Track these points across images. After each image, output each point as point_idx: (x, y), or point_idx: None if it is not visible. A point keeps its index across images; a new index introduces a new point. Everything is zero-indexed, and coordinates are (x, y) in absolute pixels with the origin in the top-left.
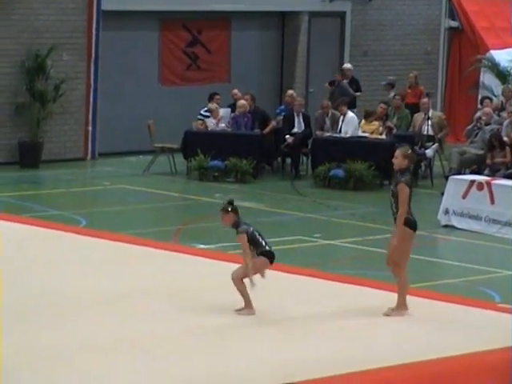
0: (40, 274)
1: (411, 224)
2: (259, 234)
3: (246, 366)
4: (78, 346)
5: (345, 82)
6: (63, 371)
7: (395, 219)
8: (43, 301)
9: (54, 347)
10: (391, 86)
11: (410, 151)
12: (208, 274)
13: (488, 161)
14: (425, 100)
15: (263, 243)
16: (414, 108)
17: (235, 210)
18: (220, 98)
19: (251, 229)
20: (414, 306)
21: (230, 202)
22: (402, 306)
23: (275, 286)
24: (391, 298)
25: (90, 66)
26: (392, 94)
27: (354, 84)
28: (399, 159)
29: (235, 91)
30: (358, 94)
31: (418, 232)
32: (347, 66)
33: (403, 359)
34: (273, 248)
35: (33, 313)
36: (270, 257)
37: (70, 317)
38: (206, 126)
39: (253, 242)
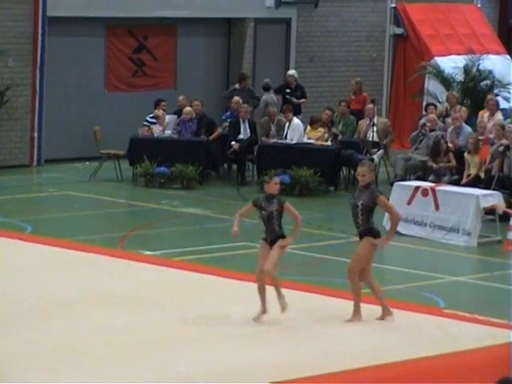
0: None
1: (376, 234)
2: None
3: (185, 369)
4: (19, 352)
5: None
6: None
7: (360, 232)
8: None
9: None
10: (266, 89)
11: (371, 164)
12: (154, 280)
13: (430, 164)
14: (370, 106)
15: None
16: (359, 114)
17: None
18: (166, 104)
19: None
20: (362, 311)
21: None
22: (385, 310)
23: (220, 292)
24: (337, 304)
25: (36, 72)
26: (270, 96)
27: (299, 91)
28: (367, 175)
29: (181, 98)
30: (302, 100)
31: None
32: (290, 72)
33: (347, 365)
34: (218, 254)
35: None
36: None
37: (15, 322)
38: (152, 133)
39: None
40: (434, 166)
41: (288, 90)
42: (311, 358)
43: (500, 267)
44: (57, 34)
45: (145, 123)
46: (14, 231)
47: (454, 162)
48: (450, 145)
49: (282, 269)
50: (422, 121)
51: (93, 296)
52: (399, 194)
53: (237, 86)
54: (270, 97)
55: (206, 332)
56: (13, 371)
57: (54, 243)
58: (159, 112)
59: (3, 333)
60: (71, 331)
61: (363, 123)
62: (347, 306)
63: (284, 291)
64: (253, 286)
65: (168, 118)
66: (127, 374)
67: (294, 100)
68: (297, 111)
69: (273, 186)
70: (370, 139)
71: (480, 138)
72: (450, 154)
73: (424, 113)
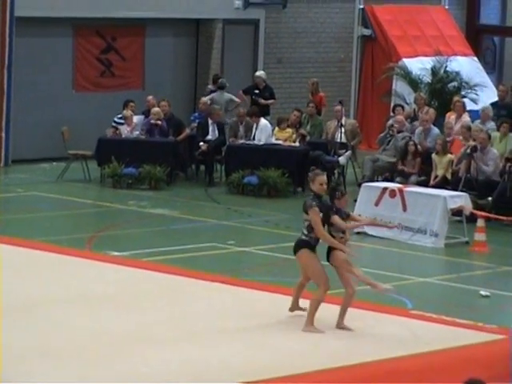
0: None
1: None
2: None
3: (148, 370)
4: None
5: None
6: None
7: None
8: None
9: None
10: (220, 88)
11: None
12: (121, 281)
13: (400, 168)
14: (338, 108)
15: None
16: (318, 115)
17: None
18: (134, 105)
19: None
20: (327, 314)
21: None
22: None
23: (188, 293)
24: (305, 305)
25: (4, 72)
26: (218, 94)
27: (267, 91)
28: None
29: (150, 98)
30: (270, 101)
31: None
32: (258, 73)
33: (318, 366)
34: (186, 255)
35: None
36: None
37: None
38: (120, 134)
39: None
40: (405, 169)
41: (256, 91)
42: (280, 358)
43: (467, 268)
44: (24, 34)
45: (113, 124)
46: None
47: (417, 168)
48: (418, 146)
49: (248, 270)
50: (390, 122)
51: (59, 297)
52: (367, 194)
53: (210, 86)
54: (218, 95)
55: (173, 332)
56: None
57: (21, 244)
58: (127, 112)
59: None
60: (36, 332)
61: (331, 124)
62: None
63: (251, 292)
64: (219, 287)
65: (136, 118)
66: (90, 374)
67: (262, 101)
68: (265, 112)
69: (343, 201)
70: (338, 140)
71: (447, 139)
72: (418, 160)
73: (392, 114)
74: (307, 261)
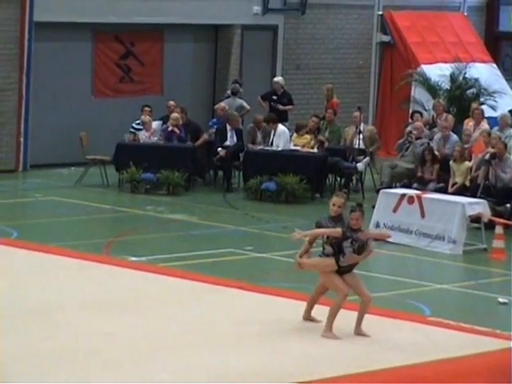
0: None
1: None
2: None
3: (168, 377)
4: (5, 358)
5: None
6: None
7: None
8: None
9: None
10: (233, 93)
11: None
12: (139, 287)
13: (418, 174)
14: (356, 114)
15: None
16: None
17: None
18: (151, 110)
19: None
20: (346, 320)
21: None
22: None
23: (206, 299)
24: (323, 311)
25: (23, 77)
26: (231, 101)
27: (286, 97)
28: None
29: (171, 103)
30: (289, 107)
31: None
32: (276, 79)
33: (335, 373)
34: (204, 260)
35: None
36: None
37: (4, 329)
38: (138, 139)
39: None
40: (420, 175)
41: (275, 97)
42: (298, 364)
43: (485, 275)
44: (43, 39)
45: (131, 129)
46: None
47: (435, 175)
48: (437, 153)
49: (266, 275)
50: (408, 128)
51: (78, 302)
52: (385, 201)
53: (229, 92)
54: (231, 100)
55: (191, 338)
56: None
57: (39, 248)
58: (146, 118)
59: None
60: (55, 337)
61: (350, 130)
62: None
63: (269, 298)
64: (238, 292)
65: (154, 124)
66: (111, 380)
67: (280, 107)
68: (284, 118)
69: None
70: (356, 146)
71: (465, 146)
72: (436, 166)
73: (410, 120)
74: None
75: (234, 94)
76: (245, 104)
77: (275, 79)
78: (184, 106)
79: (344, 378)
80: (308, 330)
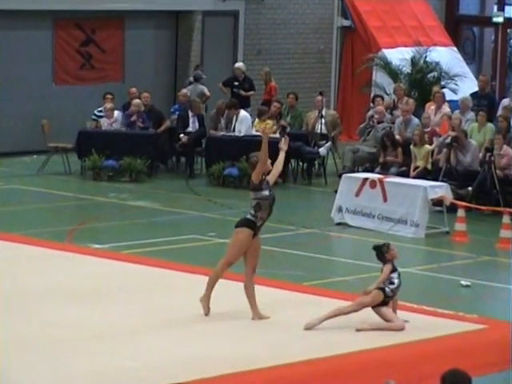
0: None
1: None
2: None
3: (132, 364)
4: None
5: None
6: None
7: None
8: None
9: None
10: (195, 79)
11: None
12: (102, 274)
13: (380, 159)
14: (318, 98)
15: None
16: (268, 104)
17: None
18: (113, 97)
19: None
20: (308, 304)
21: (388, 244)
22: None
23: (169, 285)
24: (287, 296)
25: None
26: (192, 87)
27: (247, 83)
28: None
29: (133, 90)
30: (250, 93)
31: (311, 230)
32: (237, 65)
33: (301, 356)
34: (167, 247)
35: None
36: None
37: None
38: (100, 126)
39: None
40: (381, 160)
41: (236, 83)
42: (259, 349)
43: (447, 258)
44: (4, 27)
45: (93, 117)
46: None
47: (400, 158)
48: (398, 137)
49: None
50: (370, 113)
51: (41, 290)
52: (348, 185)
53: (191, 78)
54: (193, 87)
55: (152, 324)
56: None
57: (2, 237)
58: (108, 105)
59: None
60: (18, 325)
61: (311, 115)
62: (297, 297)
63: (232, 283)
64: (200, 278)
65: (116, 113)
66: (76, 368)
67: (242, 93)
68: (246, 104)
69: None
70: (319, 131)
71: (425, 130)
72: (399, 150)
73: (372, 105)
74: (242, 240)
75: (197, 80)
76: (206, 90)
77: (236, 65)
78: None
79: (311, 363)
80: (273, 314)
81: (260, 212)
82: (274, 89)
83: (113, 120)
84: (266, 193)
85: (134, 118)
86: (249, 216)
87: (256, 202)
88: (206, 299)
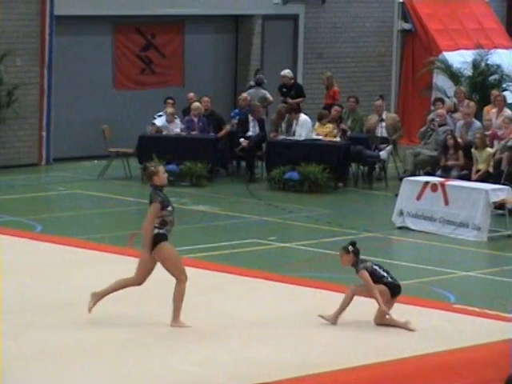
0: None
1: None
2: (380, 267)
3: (202, 369)
4: (26, 350)
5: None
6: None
7: None
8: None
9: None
10: (258, 84)
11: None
12: (162, 278)
13: (442, 162)
14: (378, 102)
15: (385, 275)
16: (329, 108)
17: (356, 252)
18: (173, 102)
19: (369, 264)
20: (370, 308)
21: (353, 244)
22: None
23: (230, 289)
24: (339, 299)
25: (44, 71)
26: (254, 91)
27: (295, 90)
28: (344, 257)
29: (191, 95)
30: (299, 99)
31: (373, 234)
32: (283, 72)
33: (362, 361)
34: (227, 251)
35: None
36: (393, 288)
37: (22, 320)
38: (161, 131)
39: (373, 275)
40: (443, 163)
41: (284, 90)
42: (321, 354)
43: (510, 262)
44: (64, 32)
45: (153, 121)
46: (23, 230)
47: (462, 160)
48: (460, 140)
49: (289, 265)
50: (431, 116)
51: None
52: (409, 189)
53: (251, 82)
54: (254, 91)
55: (215, 329)
56: (18, 369)
57: (63, 242)
58: (170, 109)
59: (10, 331)
60: (80, 329)
61: (372, 119)
62: (357, 302)
63: (292, 287)
64: (261, 283)
65: (159, 121)
66: (138, 371)
67: (290, 100)
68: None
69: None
70: (379, 135)
71: (487, 133)
72: (460, 153)
73: (432, 108)
74: (170, 251)
75: (259, 84)
76: (268, 95)
77: (282, 72)
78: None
79: (369, 368)
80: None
81: (168, 225)
82: (338, 93)
83: (173, 124)
84: (170, 208)
85: (194, 119)
86: (161, 231)
87: (161, 218)
88: (99, 297)
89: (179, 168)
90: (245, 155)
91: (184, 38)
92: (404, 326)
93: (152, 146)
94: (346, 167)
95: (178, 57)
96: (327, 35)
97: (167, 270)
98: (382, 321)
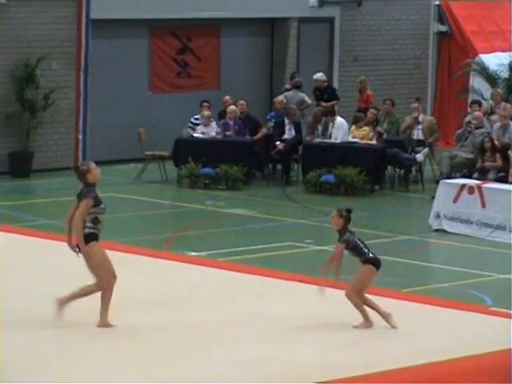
0: (33, 283)
1: (375, 262)
2: (362, 243)
3: (227, 370)
4: (67, 351)
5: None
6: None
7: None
8: (40, 307)
9: (49, 357)
10: (296, 87)
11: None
12: (199, 281)
13: (478, 165)
14: (415, 105)
15: (366, 251)
16: (364, 112)
17: (347, 219)
18: (209, 105)
19: (354, 238)
20: (407, 311)
21: (348, 210)
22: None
23: (266, 292)
24: (381, 303)
25: (80, 74)
26: (291, 93)
27: (327, 93)
28: (335, 219)
29: (227, 98)
30: (333, 102)
31: (409, 236)
32: (316, 76)
33: (398, 364)
34: (263, 254)
35: (26, 321)
36: (375, 264)
37: (60, 323)
38: (196, 134)
39: (355, 250)
40: (480, 165)
41: (318, 93)
42: (359, 356)
43: None
44: (100, 36)
45: (189, 124)
46: (58, 234)
47: (499, 162)
48: (497, 142)
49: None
50: (467, 118)
51: (139, 298)
52: (445, 192)
53: (287, 85)
54: (292, 94)
55: (250, 332)
56: (62, 368)
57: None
58: (206, 112)
59: (47, 333)
60: (117, 333)
61: (408, 121)
62: (393, 304)
63: (329, 290)
64: (296, 285)
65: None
66: (173, 376)
67: (323, 104)
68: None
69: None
70: (415, 137)
71: None
72: (498, 155)
73: (469, 110)
74: (98, 255)
75: (297, 87)
76: (306, 98)
77: (314, 76)
78: (245, 98)
79: (404, 371)
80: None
81: (99, 224)
82: (371, 97)
83: (209, 127)
84: (103, 206)
85: (230, 122)
86: (92, 230)
87: (94, 215)
88: (65, 302)
89: (215, 171)
90: (281, 158)
91: (220, 41)
92: (385, 317)
93: (188, 149)
94: (382, 170)
95: (214, 60)
96: (363, 38)
97: (90, 270)
98: (362, 298)
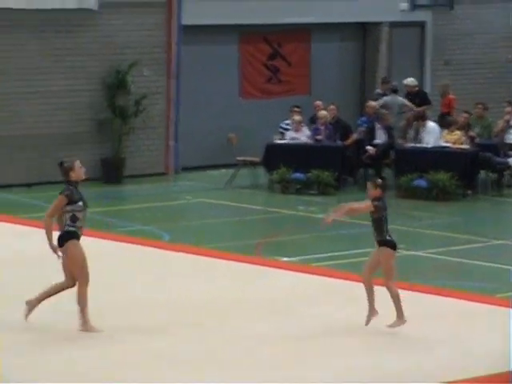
0: (127, 288)
1: (392, 245)
2: (387, 223)
3: (316, 375)
4: (166, 360)
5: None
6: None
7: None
8: (132, 311)
9: (125, 359)
10: (393, 91)
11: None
12: (291, 287)
13: None
14: (508, 109)
15: (385, 232)
16: (446, 117)
17: (383, 187)
18: (299, 110)
19: (385, 212)
20: (500, 316)
21: (382, 178)
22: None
23: (357, 297)
24: (472, 308)
25: (171, 80)
26: (390, 98)
27: (418, 97)
28: (371, 191)
29: (318, 103)
30: (423, 107)
31: (503, 241)
32: (406, 81)
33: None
34: (355, 259)
35: (115, 324)
36: (393, 246)
37: (148, 328)
38: (287, 139)
39: (378, 223)
40: None
41: (409, 98)
42: (452, 362)
43: None
44: (191, 42)
45: (280, 129)
46: (151, 239)
47: None
48: None
49: (418, 273)
50: None
51: (230, 303)
52: None
53: (378, 90)
54: (391, 98)
55: (345, 340)
56: (153, 371)
57: (191, 251)
58: (297, 117)
59: (139, 340)
60: (208, 338)
61: (500, 125)
62: (487, 310)
63: (423, 296)
64: (382, 290)
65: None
66: (264, 381)
67: (414, 108)
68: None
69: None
70: (508, 141)
71: None
72: None
73: None
74: (76, 252)
75: (395, 91)
76: (406, 102)
77: (404, 81)
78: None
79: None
80: (475, 326)
81: (79, 222)
82: (453, 101)
83: (300, 132)
84: (81, 203)
85: (320, 128)
86: (72, 228)
87: (71, 214)
88: (35, 303)
89: (306, 176)
90: (372, 163)
91: (310, 47)
92: (371, 310)
93: (279, 155)
94: (474, 174)
95: (305, 65)
96: (455, 42)
97: (70, 269)
98: (370, 283)
